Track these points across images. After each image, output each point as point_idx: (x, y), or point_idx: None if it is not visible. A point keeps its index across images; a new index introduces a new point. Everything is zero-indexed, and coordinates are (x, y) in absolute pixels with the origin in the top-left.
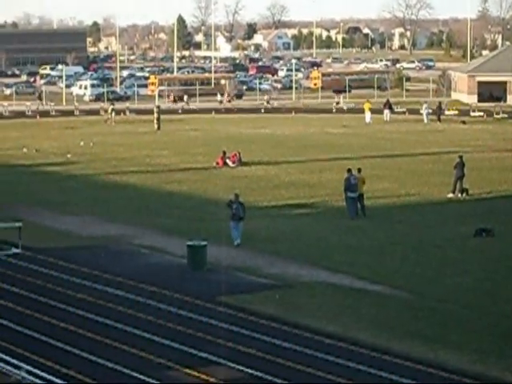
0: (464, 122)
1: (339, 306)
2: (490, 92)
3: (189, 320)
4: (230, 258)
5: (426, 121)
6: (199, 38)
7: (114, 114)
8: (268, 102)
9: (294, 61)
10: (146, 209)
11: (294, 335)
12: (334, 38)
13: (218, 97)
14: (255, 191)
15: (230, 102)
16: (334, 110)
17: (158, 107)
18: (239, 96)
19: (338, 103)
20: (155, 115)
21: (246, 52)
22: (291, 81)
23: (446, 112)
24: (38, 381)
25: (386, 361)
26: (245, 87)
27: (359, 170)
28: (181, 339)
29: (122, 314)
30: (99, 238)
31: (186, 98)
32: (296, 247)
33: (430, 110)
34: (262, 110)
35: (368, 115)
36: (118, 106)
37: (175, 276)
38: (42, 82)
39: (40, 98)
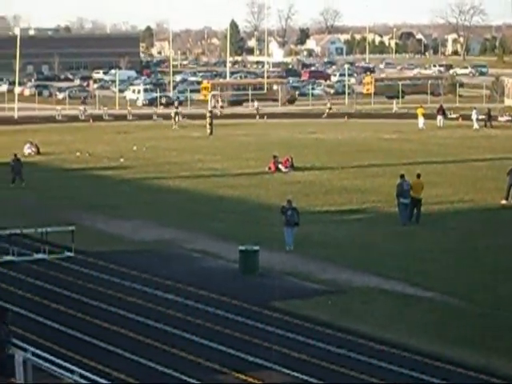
0: None
1: (391, 312)
2: None
3: (239, 324)
4: (282, 263)
5: (476, 126)
6: (252, 43)
7: (178, 117)
8: (257, 110)
9: (346, 66)
10: (199, 213)
11: (346, 341)
12: (387, 44)
13: (212, 103)
14: (307, 196)
15: (222, 108)
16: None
17: (211, 112)
18: (291, 101)
19: (330, 108)
20: (208, 120)
21: (298, 57)
22: (344, 86)
23: (499, 118)
24: None
25: (439, 368)
26: (297, 92)
27: (418, 176)
28: (230, 343)
29: (173, 317)
30: (151, 242)
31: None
32: (348, 253)
33: (481, 116)
34: (257, 117)
35: (421, 121)
36: (170, 110)
37: (227, 280)
38: (95, 86)
39: (85, 103)
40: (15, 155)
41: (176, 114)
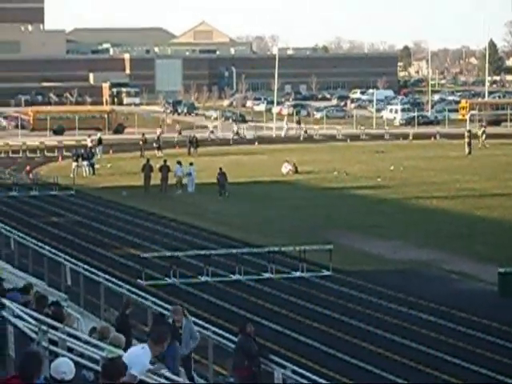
0: None
1: None
2: None
3: (499, 347)
4: None
5: None
6: (510, 62)
7: (484, 136)
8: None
9: None
10: (456, 234)
11: None
12: None
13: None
14: None
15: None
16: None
17: (470, 132)
18: None
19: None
20: (466, 140)
21: None
22: None
23: None
24: None
25: None
26: None
27: None
28: (490, 366)
29: (430, 338)
30: (410, 262)
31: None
32: None
33: None
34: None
35: None
36: (428, 129)
37: (486, 303)
38: (353, 106)
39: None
40: (220, 169)
41: (483, 132)
